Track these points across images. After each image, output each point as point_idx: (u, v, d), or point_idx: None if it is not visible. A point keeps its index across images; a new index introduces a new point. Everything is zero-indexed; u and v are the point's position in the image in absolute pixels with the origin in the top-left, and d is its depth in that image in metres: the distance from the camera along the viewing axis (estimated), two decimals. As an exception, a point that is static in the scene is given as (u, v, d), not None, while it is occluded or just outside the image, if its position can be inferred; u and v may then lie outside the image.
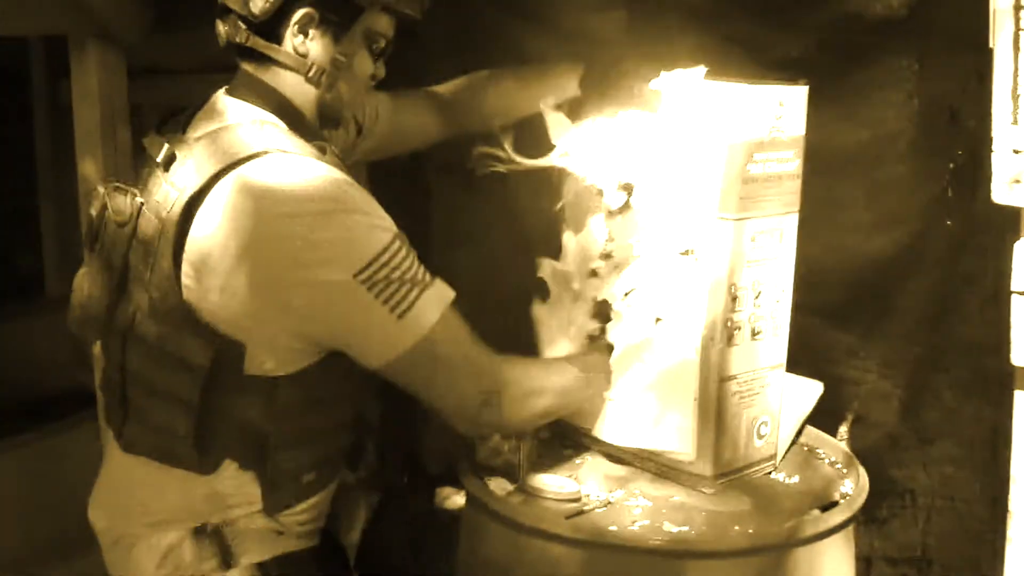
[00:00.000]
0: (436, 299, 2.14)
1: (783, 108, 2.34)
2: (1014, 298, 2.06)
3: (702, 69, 2.38)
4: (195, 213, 2.11)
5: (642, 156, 2.47)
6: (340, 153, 2.36)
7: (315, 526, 2.36)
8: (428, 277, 2.15)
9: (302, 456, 2.26)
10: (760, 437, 2.45)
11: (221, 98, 2.28)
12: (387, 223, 2.13)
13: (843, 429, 3.03)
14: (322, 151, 2.21)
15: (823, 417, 2.75)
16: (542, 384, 2.37)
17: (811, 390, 2.67)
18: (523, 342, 2.58)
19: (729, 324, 2.38)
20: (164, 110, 2.35)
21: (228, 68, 2.31)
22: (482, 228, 3.48)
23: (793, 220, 2.42)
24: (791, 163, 2.39)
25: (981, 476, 2.94)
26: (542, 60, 2.96)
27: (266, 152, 2.12)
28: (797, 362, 2.61)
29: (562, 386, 2.40)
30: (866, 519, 2.98)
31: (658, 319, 2.44)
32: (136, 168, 2.33)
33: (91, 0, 3.13)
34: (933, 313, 2.97)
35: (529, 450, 2.40)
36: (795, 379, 2.63)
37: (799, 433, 2.64)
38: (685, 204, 2.38)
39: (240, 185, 2.09)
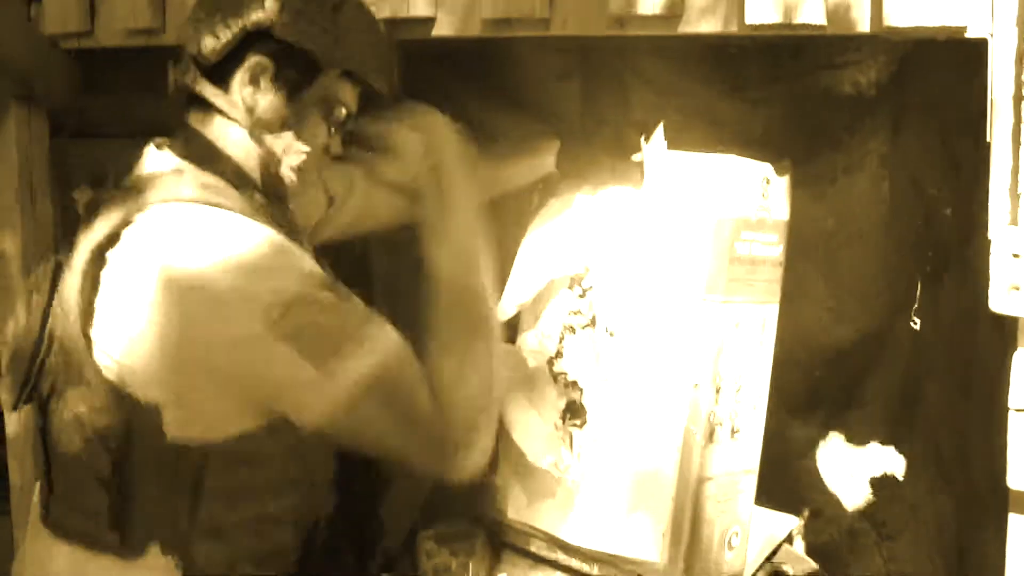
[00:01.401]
0: (368, 348, 1.96)
1: (770, 187, 2.22)
2: (1012, 415, 1.94)
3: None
4: (103, 268, 1.95)
5: (619, 234, 2.38)
6: (304, 227, 2.25)
7: None
8: (367, 324, 1.98)
9: (232, 549, 2.06)
10: (731, 548, 2.31)
11: (149, 150, 2.13)
12: (308, 267, 1.97)
13: (799, 523, 2.90)
14: (256, 206, 2.06)
15: (780, 509, 2.69)
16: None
17: (785, 523, 2.57)
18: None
19: (711, 418, 2.26)
20: (93, 176, 2.17)
21: (161, 134, 2.16)
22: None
23: (774, 311, 2.34)
24: (776, 248, 2.32)
25: (943, 574, 2.82)
26: (497, 130, 2.87)
27: (176, 200, 1.98)
28: None
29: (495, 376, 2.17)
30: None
31: (632, 409, 2.31)
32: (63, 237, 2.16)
33: (12, 59, 2.92)
34: (897, 404, 2.86)
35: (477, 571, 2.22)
36: (771, 514, 2.55)
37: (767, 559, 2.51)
38: (666, 284, 2.28)
39: (143, 236, 1.94)
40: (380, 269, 3.30)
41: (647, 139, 2.40)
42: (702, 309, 2.24)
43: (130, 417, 1.96)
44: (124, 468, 1.98)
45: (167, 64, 2.17)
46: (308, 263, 1.99)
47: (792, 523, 2.57)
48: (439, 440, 2.04)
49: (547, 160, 2.64)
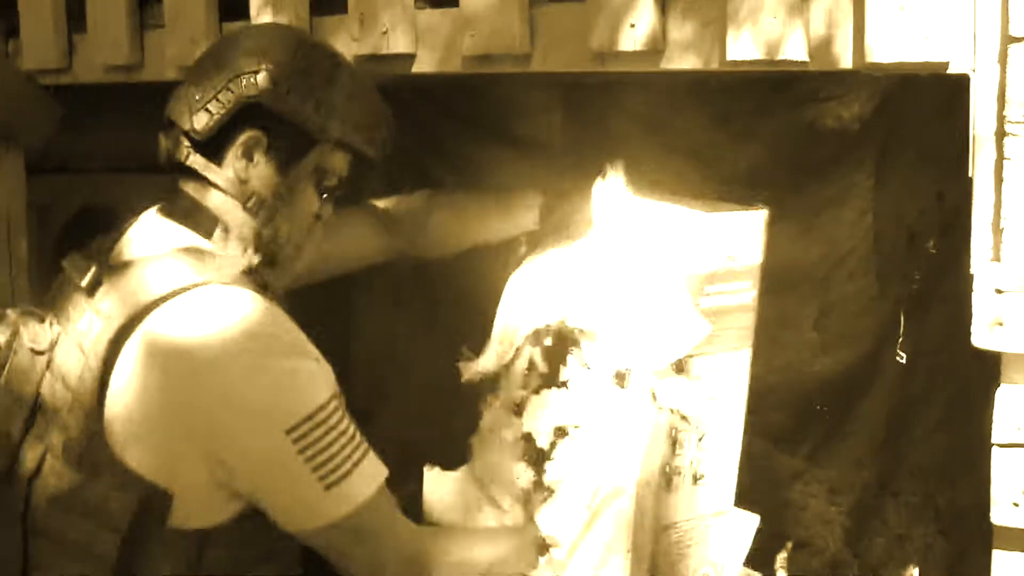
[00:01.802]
0: (370, 475, 2.00)
1: (738, 236, 2.19)
2: (995, 451, 1.92)
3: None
4: (122, 348, 1.93)
5: (585, 286, 2.33)
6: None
7: None
8: (364, 447, 1.99)
9: None
10: None
11: (152, 218, 2.12)
12: (328, 376, 1.98)
13: (782, 555, 2.88)
14: (262, 285, 2.05)
15: (763, 541, 2.62)
16: (471, 556, 2.21)
17: (746, 524, 2.51)
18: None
19: (668, 469, 2.23)
20: (73, 210, 2.15)
21: (141, 168, 2.18)
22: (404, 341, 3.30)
23: (746, 355, 2.29)
24: (746, 294, 2.27)
25: (929, 607, 2.80)
26: (479, 165, 2.90)
27: (195, 285, 1.96)
28: (738, 484, 2.51)
29: (492, 558, 2.24)
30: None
31: (589, 463, 2.27)
32: (39, 287, 2.13)
33: (-11, 99, 2.92)
34: (882, 437, 2.85)
35: None
36: (728, 515, 2.48)
37: None
38: (625, 337, 2.23)
39: (168, 323, 1.93)
40: (358, 306, 3.30)
41: (602, 178, 2.39)
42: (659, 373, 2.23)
43: (142, 501, 1.94)
44: (129, 550, 1.96)
45: (147, 102, 2.16)
46: (326, 370, 2.00)
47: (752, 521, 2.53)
48: (394, 566, 2.08)
49: (531, 215, 2.60)
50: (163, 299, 1.95)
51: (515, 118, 3.04)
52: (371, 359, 3.35)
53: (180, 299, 1.95)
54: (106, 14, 2.84)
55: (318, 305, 2.42)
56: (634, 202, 2.33)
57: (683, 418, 2.26)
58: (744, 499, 2.58)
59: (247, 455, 1.94)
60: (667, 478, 2.26)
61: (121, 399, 1.94)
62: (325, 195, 2.18)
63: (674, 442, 2.26)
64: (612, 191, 2.36)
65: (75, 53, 2.95)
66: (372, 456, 2.01)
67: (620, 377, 2.27)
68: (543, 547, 2.29)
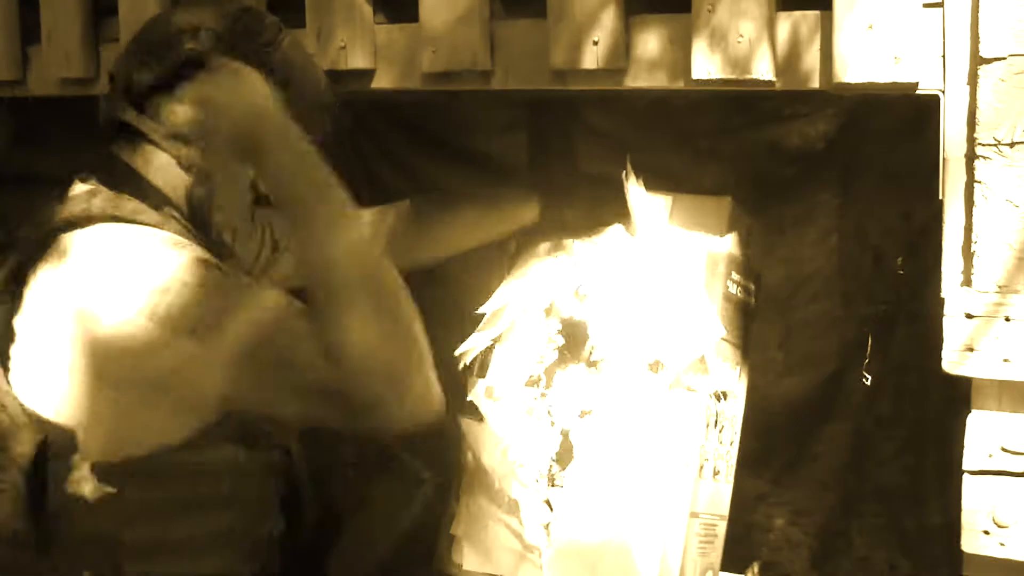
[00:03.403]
0: (252, 310, 1.89)
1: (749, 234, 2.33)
2: (966, 478, 1.90)
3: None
4: (22, 294, 1.93)
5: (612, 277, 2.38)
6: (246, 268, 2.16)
7: None
8: (245, 293, 1.91)
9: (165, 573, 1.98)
10: None
11: (75, 183, 2.08)
12: (194, 254, 1.92)
13: (749, 576, 2.87)
14: (170, 223, 2.02)
15: (728, 563, 2.58)
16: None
17: None
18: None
19: (701, 452, 2.26)
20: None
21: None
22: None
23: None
24: (751, 299, 2.39)
25: (893, 629, 2.80)
26: (442, 183, 2.92)
27: (81, 216, 1.95)
28: None
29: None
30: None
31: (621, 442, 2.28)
32: None
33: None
34: (848, 458, 2.84)
35: None
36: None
37: None
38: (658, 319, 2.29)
39: (52, 259, 1.92)
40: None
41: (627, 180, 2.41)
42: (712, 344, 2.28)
43: (46, 441, 1.90)
44: (43, 494, 1.91)
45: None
46: (195, 251, 1.93)
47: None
48: (347, 395, 1.88)
49: (530, 212, 2.61)
50: (54, 232, 1.94)
51: (479, 135, 3.00)
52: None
53: (60, 240, 1.93)
54: (60, 27, 2.79)
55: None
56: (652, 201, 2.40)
57: (721, 396, 2.32)
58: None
59: (134, 356, 1.89)
60: (700, 461, 2.27)
61: (22, 344, 1.93)
62: None
63: (707, 424, 2.29)
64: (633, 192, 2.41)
65: (29, 66, 2.90)
66: (250, 296, 1.91)
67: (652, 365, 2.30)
68: None
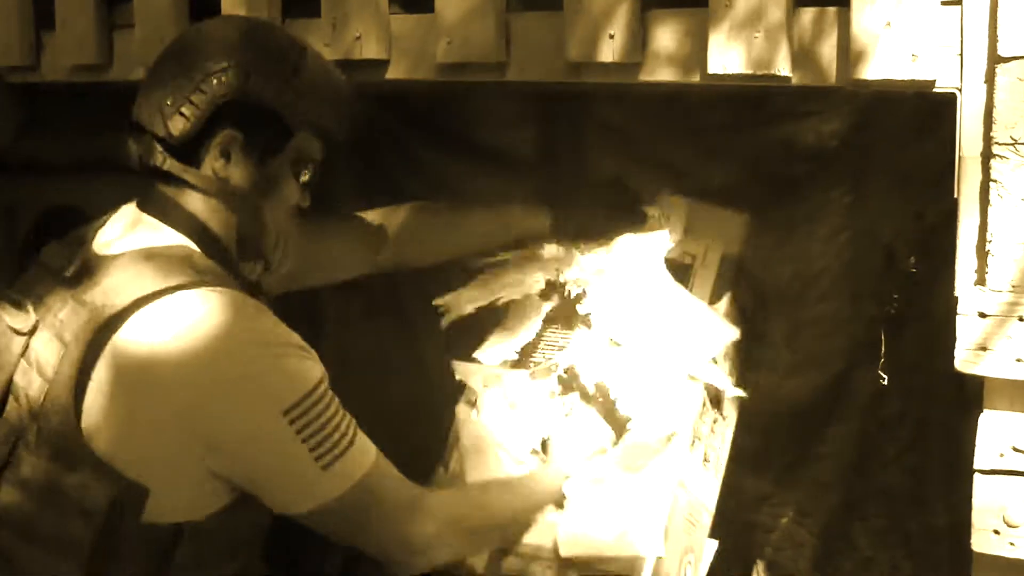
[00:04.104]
0: (363, 451, 2.01)
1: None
2: (976, 477, 1.90)
3: None
4: (109, 338, 1.90)
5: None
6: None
7: None
8: (355, 425, 2.00)
9: None
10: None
11: (134, 213, 2.08)
12: (315, 359, 1.98)
13: (752, 577, 2.87)
14: (249, 286, 2.06)
15: (731, 565, 2.65)
16: (490, 513, 2.25)
17: (707, 548, 2.51)
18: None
19: (695, 428, 2.31)
20: (41, 209, 2.11)
21: (111, 168, 2.16)
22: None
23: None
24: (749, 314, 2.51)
25: (896, 630, 2.79)
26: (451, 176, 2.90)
27: (192, 284, 1.94)
28: None
29: (510, 510, 2.28)
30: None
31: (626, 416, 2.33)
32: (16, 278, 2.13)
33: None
34: (852, 459, 2.81)
35: None
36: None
37: None
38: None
39: (165, 316, 1.91)
40: (332, 312, 3.26)
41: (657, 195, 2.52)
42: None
43: (119, 494, 1.90)
44: (103, 543, 1.92)
45: (115, 102, 2.12)
46: (317, 362, 1.99)
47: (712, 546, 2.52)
48: (406, 536, 2.08)
49: (540, 221, 2.63)
50: (147, 299, 1.92)
51: (489, 128, 3.00)
52: (343, 368, 3.32)
53: (165, 300, 1.92)
54: (74, 13, 2.79)
55: (291, 313, 2.38)
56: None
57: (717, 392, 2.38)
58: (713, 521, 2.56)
59: (245, 440, 1.92)
60: (692, 436, 2.32)
61: (101, 395, 1.90)
62: (305, 184, 2.14)
63: (702, 404, 2.35)
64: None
65: (42, 51, 2.90)
66: (363, 436, 2.02)
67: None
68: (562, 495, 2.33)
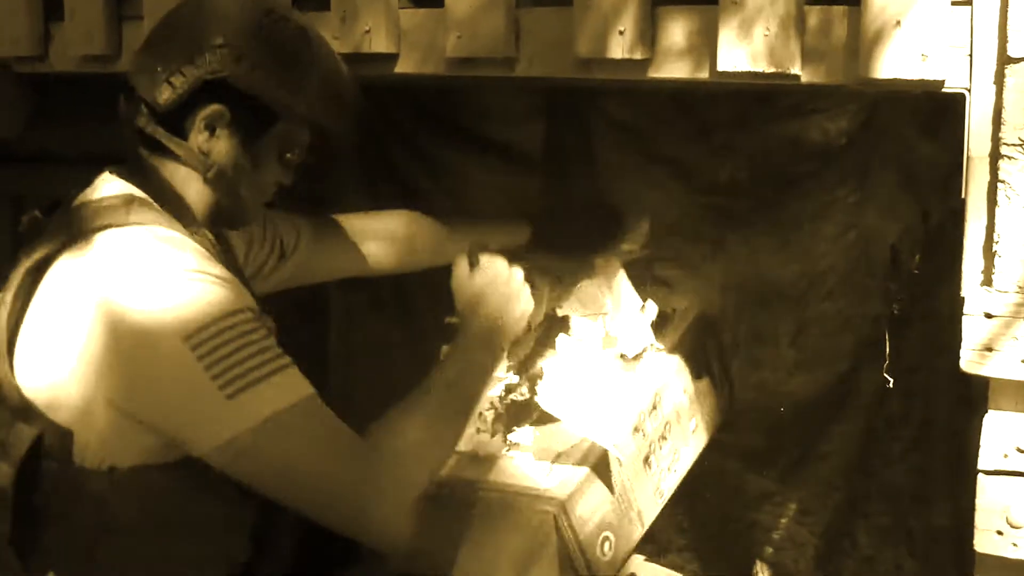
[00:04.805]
0: (284, 387, 1.86)
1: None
2: (980, 478, 1.90)
3: None
4: (39, 281, 1.90)
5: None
6: (251, 274, 2.21)
7: None
8: (282, 364, 1.87)
9: None
10: (603, 552, 2.30)
11: (103, 176, 2.05)
12: (240, 294, 1.89)
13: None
14: (203, 243, 2.00)
15: (732, 564, 2.68)
16: (422, 437, 2.02)
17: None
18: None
19: (639, 418, 2.36)
20: (47, 201, 2.11)
21: (118, 159, 2.09)
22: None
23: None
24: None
25: (898, 629, 2.79)
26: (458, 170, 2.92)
27: (118, 224, 1.92)
28: (706, 503, 2.60)
29: (442, 413, 2.09)
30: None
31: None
32: None
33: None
34: (856, 458, 2.82)
35: None
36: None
37: None
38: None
39: (85, 255, 1.89)
40: (337, 306, 3.26)
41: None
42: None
43: (41, 436, 1.88)
44: (27, 487, 1.89)
45: (119, 94, 2.11)
46: (241, 294, 1.92)
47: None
48: (347, 496, 1.91)
49: (519, 235, 2.69)
50: (72, 240, 1.91)
51: (497, 123, 3.00)
52: (349, 359, 3.33)
53: (90, 239, 1.90)
54: (83, 4, 2.79)
55: (297, 306, 2.39)
56: None
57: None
58: (712, 518, 2.56)
59: (147, 370, 1.84)
60: (636, 426, 2.36)
61: (28, 337, 1.90)
62: (288, 164, 2.13)
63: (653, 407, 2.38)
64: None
65: (51, 42, 2.90)
66: (292, 374, 1.88)
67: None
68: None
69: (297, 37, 2.08)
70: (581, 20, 2.22)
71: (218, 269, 1.91)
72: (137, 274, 1.85)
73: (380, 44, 2.43)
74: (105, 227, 1.92)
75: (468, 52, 2.34)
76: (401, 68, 2.44)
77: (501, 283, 2.31)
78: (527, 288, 2.35)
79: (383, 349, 3.27)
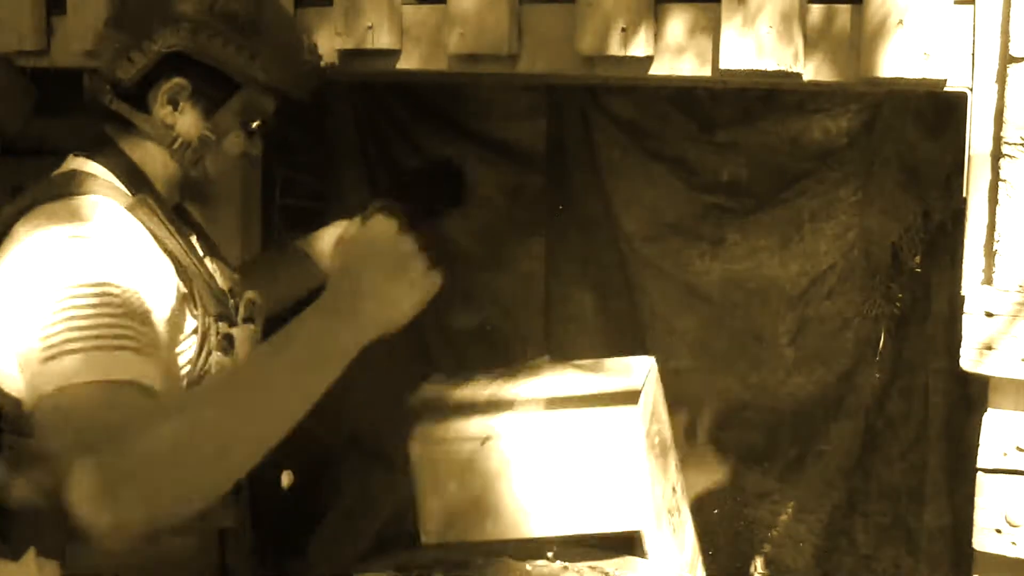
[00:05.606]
0: (98, 366, 1.70)
1: None
2: (980, 476, 1.90)
3: None
4: None
5: None
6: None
7: None
8: (117, 344, 1.74)
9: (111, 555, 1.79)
10: None
11: (68, 158, 2.08)
12: (118, 267, 1.83)
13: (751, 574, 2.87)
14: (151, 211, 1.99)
15: (730, 561, 2.68)
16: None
17: None
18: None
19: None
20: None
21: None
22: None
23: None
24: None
25: (895, 626, 2.79)
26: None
27: (59, 197, 1.92)
28: (705, 500, 2.59)
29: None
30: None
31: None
32: None
33: (-38, 77, 2.87)
34: (855, 457, 2.83)
35: None
36: None
37: None
38: None
39: (20, 226, 1.89)
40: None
41: None
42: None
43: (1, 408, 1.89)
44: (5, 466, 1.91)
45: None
46: (125, 268, 1.84)
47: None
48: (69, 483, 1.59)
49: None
50: (17, 214, 1.92)
51: (498, 120, 3.00)
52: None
53: (30, 212, 1.91)
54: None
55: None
56: None
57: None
58: (712, 516, 2.56)
59: (13, 328, 1.81)
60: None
61: None
62: (253, 133, 2.16)
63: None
64: None
65: (53, 36, 2.90)
66: (124, 357, 1.73)
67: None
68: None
69: (253, 5, 2.11)
70: (583, 17, 2.22)
71: (121, 240, 1.89)
72: (29, 238, 1.86)
73: (383, 40, 2.42)
74: (42, 201, 1.92)
75: (471, 48, 2.34)
76: (404, 64, 2.44)
77: (382, 243, 1.80)
78: (420, 260, 1.80)
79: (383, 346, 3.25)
